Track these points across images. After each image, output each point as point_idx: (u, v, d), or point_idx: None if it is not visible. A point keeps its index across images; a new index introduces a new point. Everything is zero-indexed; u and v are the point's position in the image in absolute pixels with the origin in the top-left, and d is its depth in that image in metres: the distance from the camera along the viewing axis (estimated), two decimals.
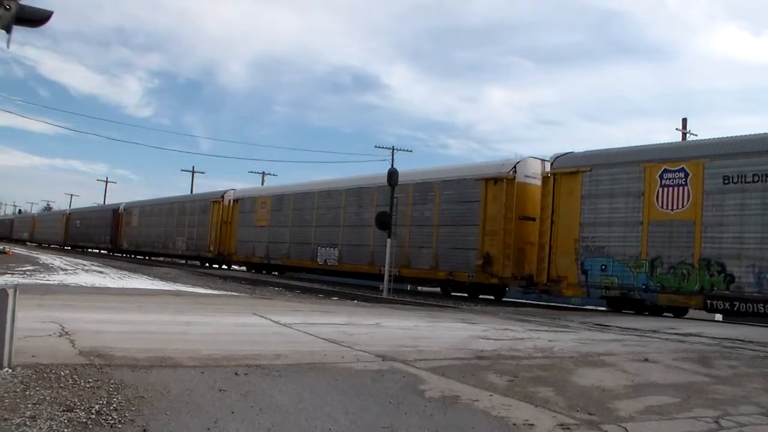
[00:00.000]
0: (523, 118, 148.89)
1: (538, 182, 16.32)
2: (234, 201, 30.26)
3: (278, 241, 26.28)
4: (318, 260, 23.48)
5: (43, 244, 63.05)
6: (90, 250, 51.50)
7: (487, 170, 17.62)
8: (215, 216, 31.28)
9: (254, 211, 28.30)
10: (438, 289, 20.37)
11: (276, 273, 27.63)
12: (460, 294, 18.62)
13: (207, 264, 33.00)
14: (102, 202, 71.25)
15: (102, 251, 48.25)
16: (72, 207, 72.04)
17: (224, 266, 31.66)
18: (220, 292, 16.30)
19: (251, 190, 31.16)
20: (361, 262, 21.31)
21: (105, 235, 46.68)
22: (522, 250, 16.54)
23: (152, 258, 40.22)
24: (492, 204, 16.92)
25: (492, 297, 18.20)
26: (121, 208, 45.12)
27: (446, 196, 18.57)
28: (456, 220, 18.11)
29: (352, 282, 22.75)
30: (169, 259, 38.71)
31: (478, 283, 17.37)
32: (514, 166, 16.67)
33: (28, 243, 67.48)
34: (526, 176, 16.73)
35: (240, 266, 30.57)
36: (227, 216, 30.48)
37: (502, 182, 16.71)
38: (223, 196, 31.33)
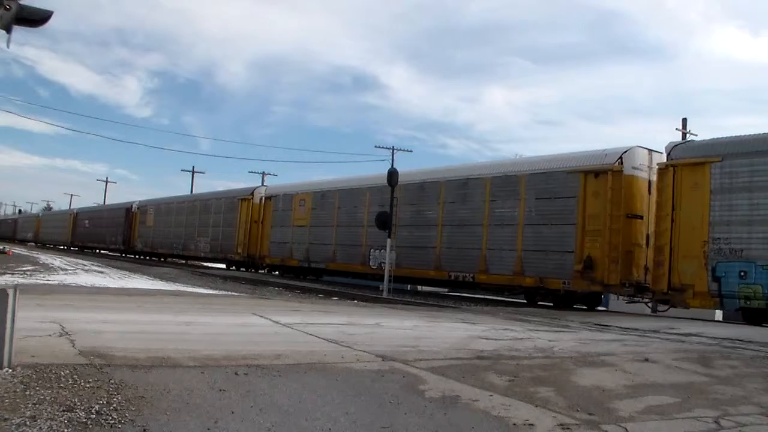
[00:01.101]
0: (522, 118, 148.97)
1: (645, 175, 14.73)
2: (266, 198, 27.80)
3: (321, 242, 23.65)
4: (370, 264, 21.06)
5: (48, 245, 61.05)
6: (99, 251, 48.93)
7: (586, 161, 15.39)
8: (244, 215, 28.74)
9: (291, 209, 25.67)
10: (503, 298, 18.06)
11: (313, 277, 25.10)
12: (546, 303, 16.10)
13: (233, 267, 30.32)
14: (102, 202, 71.02)
15: (113, 252, 45.51)
16: (80, 206, 69.20)
17: (251, 269, 29.06)
18: (220, 292, 16.31)
19: (287, 187, 27.95)
20: (424, 266, 19.11)
21: (117, 235, 44.19)
22: (629, 253, 14.46)
23: (168, 259, 37.90)
24: (592, 200, 14.83)
25: (584, 307, 15.73)
26: (135, 206, 42.63)
27: (534, 191, 16.22)
28: (547, 219, 15.81)
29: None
30: (190, 262, 36.17)
31: (572, 291, 15.21)
32: (620, 157, 14.58)
33: (29, 244, 66.04)
34: (633, 168, 14.66)
35: (273, 271, 27.70)
36: (258, 214, 27.94)
37: (605, 175, 14.59)
38: (252, 193, 29.00)
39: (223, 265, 31.72)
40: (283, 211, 26.26)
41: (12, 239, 72.53)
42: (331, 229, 23.27)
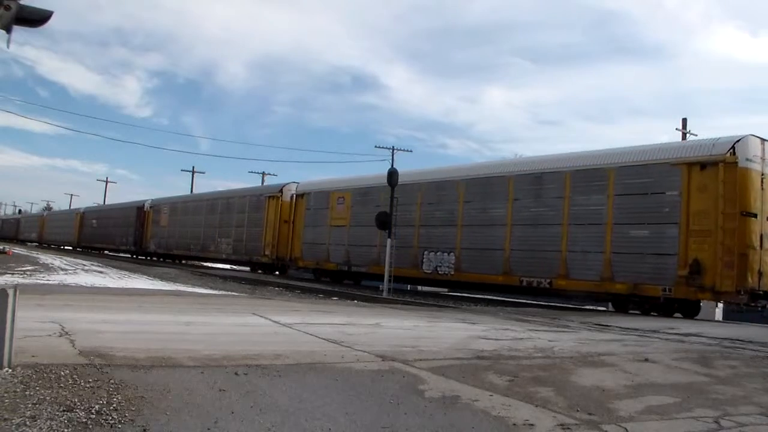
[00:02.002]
0: (522, 118, 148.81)
1: (759, 167, 13.33)
2: (297, 196, 25.71)
3: (363, 243, 21.49)
4: (424, 268, 19.28)
5: (53, 246, 58.92)
6: (107, 252, 46.53)
7: (690, 152, 13.74)
8: (271, 214, 26.85)
9: (328, 207, 23.68)
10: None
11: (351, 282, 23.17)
12: (635, 312, 14.32)
13: (259, 270, 28.18)
14: (102, 202, 70.92)
15: (124, 254, 43.32)
16: (79, 206, 67.83)
17: (276, 272, 27.17)
18: (220, 292, 16.31)
19: (322, 183, 25.74)
20: (490, 270, 17.28)
21: (128, 236, 42.02)
22: (744, 256, 12.89)
23: (184, 262, 35.91)
24: (698, 196, 13.27)
25: (679, 315, 13.98)
26: (147, 205, 40.62)
27: (625, 185, 14.52)
28: (641, 217, 14.12)
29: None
30: (211, 264, 34.02)
31: (673, 298, 13.58)
32: (733, 147, 13.01)
33: (33, 244, 64.63)
34: (747, 159, 13.04)
35: (306, 274, 25.65)
36: (288, 213, 25.98)
37: (715, 167, 13.01)
38: (281, 190, 26.97)
39: (248, 268, 29.93)
40: (318, 209, 24.32)
41: (15, 239, 71.26)
42: (375, 229, 20.93)
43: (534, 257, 16.21)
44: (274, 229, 26.65)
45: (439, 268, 18.73)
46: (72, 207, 78.78)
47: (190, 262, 35.54)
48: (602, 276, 14.66)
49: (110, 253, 45.53)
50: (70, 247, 54.81)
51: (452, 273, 18.41)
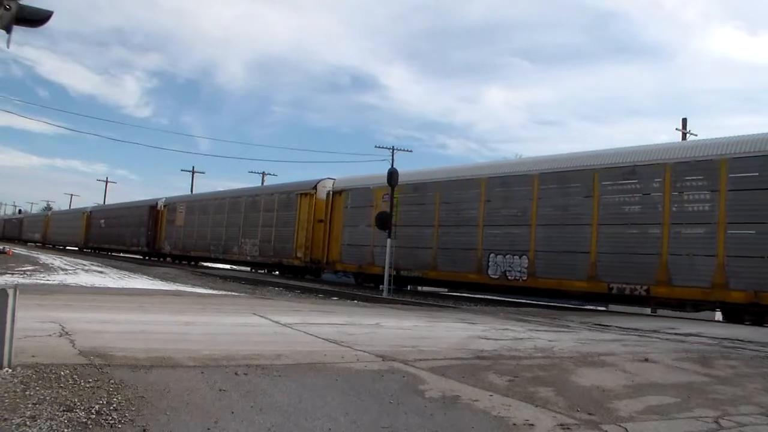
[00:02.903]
0: (521, 118, 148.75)
1: None
2: (335, 193, 23.57)
3: (415, 245, 19.43)
4: (490, 273, 17.34)
5: (58, 246, 56.90)
6: (117, 254, 44.01)
7: None
8: (304, 212, 24.91)
9: (372, 205, 21.50)
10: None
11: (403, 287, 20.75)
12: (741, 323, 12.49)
13: (289, 274, 25.98)
14: (102, 202, 70.88)
15: (135, 255, 41.15)
16: (82, 205, 66.05)
17: (310, 276, 25.11)
18: (220, 292, 16.31)
19: (364, 179, 23.27)
20: (572, 275, 15.44)
21: (140, 236, 39.88)
22: None
23: (199, 263, 33.92)
24: None
25: None
26: (161, 203, 38.30)
27: (739, 180, 12.78)
28: (762, 216, 12.42)
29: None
30: (236, 267, 31.76)
31: None
32: None
33: (36, 244, 63.31)
34: None
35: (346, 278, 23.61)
36: (324, 212, 23.89)
37: None
38: (315, 187, 24.73)
39: (277, 271, 27.85)
40: (358, 207, 22.32)
41: (18, 240, 70.23)
42: (430, 230, 19.21)
43: (627, 261, 14.37)
44: (307, 229, 24.63)
45: (508, 273, 16.89)
46: (72, 207, 78.51)
47: (212, 265, 33.65)
48: (713, 282, 12.85)
49: (122, 255, 43.21)
50: (76, 248, 52.34)
51: (525, 278, 16.51)
